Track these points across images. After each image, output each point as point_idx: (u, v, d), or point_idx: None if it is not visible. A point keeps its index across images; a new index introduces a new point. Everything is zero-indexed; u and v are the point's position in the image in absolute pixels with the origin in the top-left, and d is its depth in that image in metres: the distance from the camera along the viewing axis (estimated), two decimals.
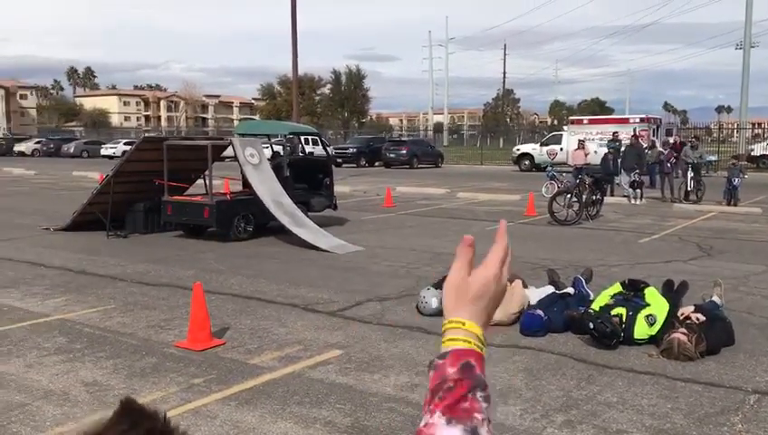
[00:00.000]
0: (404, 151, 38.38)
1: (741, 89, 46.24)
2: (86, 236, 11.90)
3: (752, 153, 38.14)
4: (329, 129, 68.47)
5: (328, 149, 15.74)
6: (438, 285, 7.08)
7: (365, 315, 6.85)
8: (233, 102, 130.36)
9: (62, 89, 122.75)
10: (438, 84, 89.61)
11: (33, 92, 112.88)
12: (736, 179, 17.81)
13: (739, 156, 25.85)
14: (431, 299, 6.76)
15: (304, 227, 11.33)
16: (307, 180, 13.57)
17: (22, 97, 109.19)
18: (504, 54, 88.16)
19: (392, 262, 9.82)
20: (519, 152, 37.13)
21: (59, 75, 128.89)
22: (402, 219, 15.19)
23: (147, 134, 55.16)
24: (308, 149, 25.05)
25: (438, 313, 6.67)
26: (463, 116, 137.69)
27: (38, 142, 56.82)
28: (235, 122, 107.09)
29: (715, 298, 6.61)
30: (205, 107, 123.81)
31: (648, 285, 6.33)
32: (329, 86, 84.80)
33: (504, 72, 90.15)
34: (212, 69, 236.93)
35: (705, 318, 5.71)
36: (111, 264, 9.53)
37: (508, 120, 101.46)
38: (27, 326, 6.42)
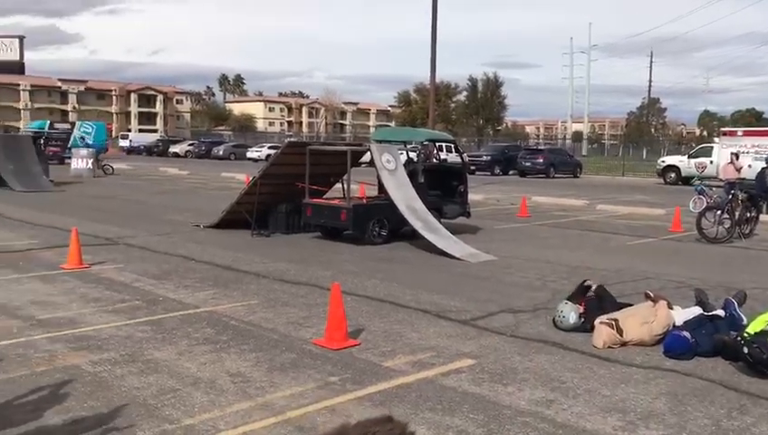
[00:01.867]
0: (540, 160, 37.60)
1: None
2: (232, 234, 12.59)
3: None
4: (463, 136, 68.25)
5: (463, 156, 15.68)
6: (574, 299, 6.86)
7: (498, 326, 6.76)
8: (370, 109, 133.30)
9: (213, 95, 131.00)
10: (578, 92, 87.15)
11: (188, 98, 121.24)
12: None
13: None
14: (569, 314, 6.56)
15: (437, 234, 11.37)
16: (441, 187, 13.62)
17: (178, 102, 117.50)
18: (651, 62, 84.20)
19: (526, 273, 9.63)
20: (664, 164, 35.29)
21: (212, 82, 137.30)
22: (537, 230, 14.86)
23: (289, 139, 57.48)
24: (442, 156, 25.14)
25: (575, 328, 6.47)
26: (604, 125, 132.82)
27: (191, 145, 60.93)
28: (371, 129, 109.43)
29: None
30: (343, 113, 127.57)
31: None
32: (465, 93, 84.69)
33: (650, 81, 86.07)
34: (352, 77, 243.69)
35: None
36: (255, 261, 10.02)
37: (653, 130, 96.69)
38: (179, 316, 6.88)
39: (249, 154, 52.64)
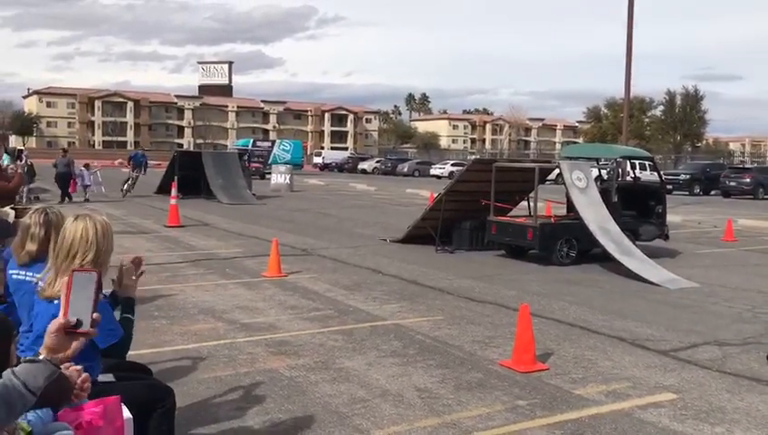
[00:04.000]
0: (747, 180, 34.42)
1: None
2: (417, 249, 12.79)
3: None
4: (657, 153, 64.32)
5: (660, 174, 14.72)
6: None
7: (702, 359, 6.20)
8: (556, 126, 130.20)
9: (400, 113, 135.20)
10: None
11: (376, 117, 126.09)
12: None
13: None
14: None
15: (632, 257, 10.72)
16: (636, 207, 12.87)
17: (367, 121, 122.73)
18: None
19: (734, 303, 8.77)
20: None
21: (399, 101, 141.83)
22: (746, 256, 13.54)
23: (472, 156, 57.60)
24: (636, 174, 23.79)
25: None
26: None
27: (378, 161, 63.16)
28: (557, 145, 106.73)
29: None
30: (528, 130, 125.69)
31: None
32: (660, 108, 79.95)
33: None
34: (539, 92, 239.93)
35: None
36: (440, 277, 10.08)
37: None
38: (368, 327, 7.08)
39: (432, 171, 53.52)
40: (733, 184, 34.65)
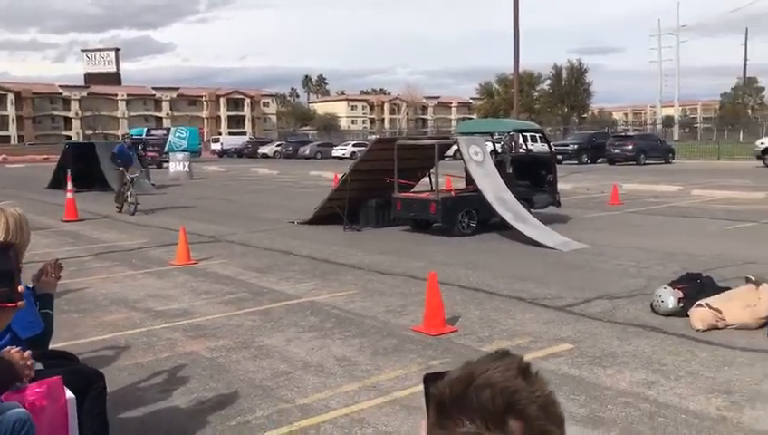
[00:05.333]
0: (630, 147, 36.55)
1: None
2: (325, 230, 13.01)
3: None
4: (547, 125, 67.08)
5: (550, 145, 15.54)
6: (674, 284, 6.80)
7: (594, 312, 6.79)
8: (451, 103, 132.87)
9: (297, 96, 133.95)
10: (668, 75, 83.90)
11: (274, 100, 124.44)
12: None
13: None
14: (668, 298, 6.51)
15: (527, 224, 11.38)
16: (529, 177, 13.59)
17: (264, 105, 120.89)
18: (746, 39, 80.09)
19: (621, 261, 9.54)
20: (764, 146, 33.54)
21: (296, 84, 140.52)
22: (629, 218, 14.59)
23: (373, 136, 57.98)
24: (528, 146, 24.88)
25: (674, 313, 6.42)
26: (696, 108, 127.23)
27: (278, 145, 62.57)
28: (453, 122, 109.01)
29: None
30: (425, 108, 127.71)
31: None
32: (548, 82, 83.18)
33: (746, 60, 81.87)
34: (433, 71, 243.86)
35: None
36: (350, 254, 10.36)
37: (749, 111, 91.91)
38: (284, 306, 7.27)
39: (334, 153, 53.58)
40: (617, 151, 36.70)
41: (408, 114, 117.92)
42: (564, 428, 0.97)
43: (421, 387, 1.04)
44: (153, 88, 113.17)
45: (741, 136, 62.11)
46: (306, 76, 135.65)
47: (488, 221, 12.29)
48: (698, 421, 4.15)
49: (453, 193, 13.41)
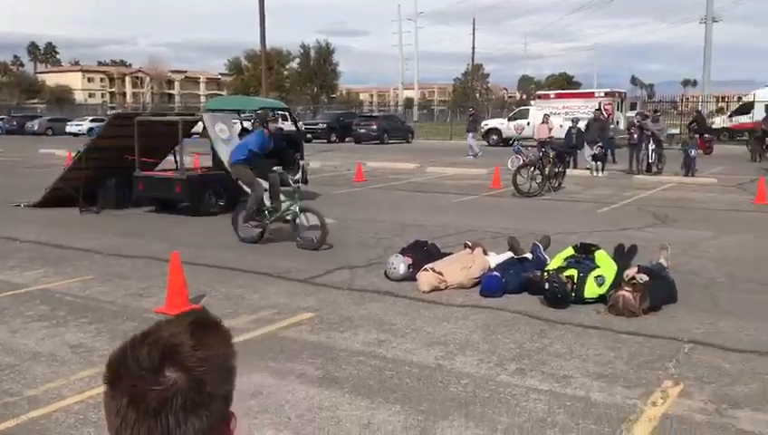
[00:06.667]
0: (374, 127, 38.64)
1: (703, 63, 47.22)
2: (59, 212, 12.04)
3: (712, 126, 39.09)
4: (298, 104, 68.15)
5: (298, 124, 15.93)
6: (405, 252, 7.47)
7: (336, 282, 7.21)
8: (199, 78, 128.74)
9: (22, 65, 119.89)
10: (408, 59, 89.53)
11: None
12: (693, 151, 18.45)
13: (697, 123, 26.58)
14: (399, 265, 7.14)
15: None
16: (277, 155, 13.80)
17: None
18: (474, 29, 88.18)
19: (362, 233, 10.17)
20: (487, 127, 37.58)
21: (19, 51, 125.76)
22: (372, 193, 15.54)
23: (112, 111, 54.22)
24: (278, 124, 25.15)
25: (405, 277, 7.06)
26: (433, 91, 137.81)
27: (1, 120, 55.80)
28: (202, 98, 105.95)
29: (662, 260, 7.09)
30: (171, 83, 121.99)
31: (598, 248, 6.79)
32: (297, 61, 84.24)
33: (474, 47, 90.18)
34: (179, 44, 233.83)
35: (648, 278, 6.17)
36: (87, 237, 9.73)
37: (477, 95, 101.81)
38: (8, 296, 6.66)
39: (68, 128, 49.24)
40: (363, 131, 38.61)
41: (152, 89, 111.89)
42: (233, 378, 1.05)
43: None
44: None
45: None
46: (32, 43, 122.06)
47: (240, 199, 12.27)
48: (419, 371, 4.68)
49: (199, 171, 13.17)
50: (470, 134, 28.05)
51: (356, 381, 4.51)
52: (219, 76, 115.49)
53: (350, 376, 4.60)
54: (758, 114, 31.19)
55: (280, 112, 21.39)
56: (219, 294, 6.76)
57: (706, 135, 26.74)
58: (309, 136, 38.02)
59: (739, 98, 43.12)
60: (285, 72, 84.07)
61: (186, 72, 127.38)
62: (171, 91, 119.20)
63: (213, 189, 12.03)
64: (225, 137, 12.12)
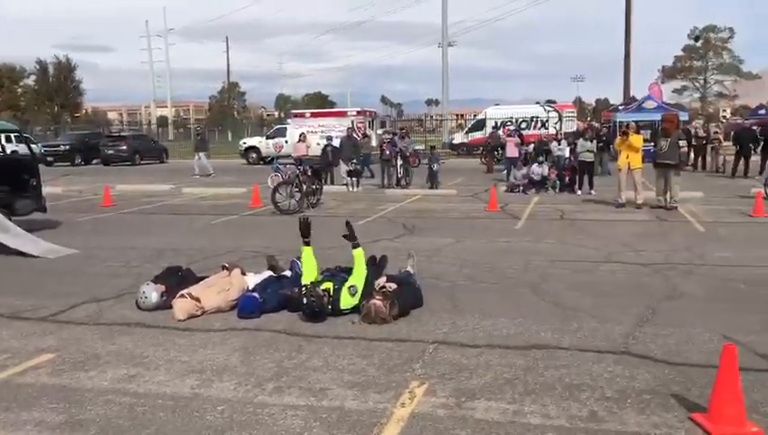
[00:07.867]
0: (124, 147, 36.52)
1: (442, 83, 51.73)
2: None
3: (452, 142, 42.92)
4: (36, 124, 62.20)
5: (33, 146, 14.53)
6: (157, 280, 7.14)
7: (80, 317, 6.67)
8: None
9: None
10: (160, 76, 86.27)
11: None
12: (435, 165, 20.08)
13: (435, 145, 29.11)
14: (151, 294, 6.80)
15: (8, 233, 10.46)
16: (9, 182, 12.47)
17: None
18: (227, 47, 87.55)
19: (110, 262, 9.54)
20: (246, 146, 37.45)
21: None
22: (122, 218, 14.67)
23: None
24: (10, 147, 22.74)
25: (158, 306, 6.75)
26: (188, 109, 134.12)
27: None
28: None
29: (409, 268, 7.60)
30: None
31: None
32: (33, 78, 77.01)
33: (228, 65, 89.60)
34: None
35: (396, 286, 6.58)
36: None
37: (235, 113, 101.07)
38: None
39: None
40: (111, 152, 36.23)
41: None
42: None
43: None
44: None
45: (230, 136, 67.94)
46: None
47: None
48: (173, 402, 4.49)
49: None
50: (201, 154, 27.37)
51: (103, 422, 4.21)
52: None
53: (98, 417, 4.28)
54: (489, 130, 34.93)
55: (6, 134, 19.37)
56: None
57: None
58: (50, 159, 34.94)
59: (475, 115, 47.83)
60: (19, 90, 76.40)
61: None
62: None
63: None
64: None
